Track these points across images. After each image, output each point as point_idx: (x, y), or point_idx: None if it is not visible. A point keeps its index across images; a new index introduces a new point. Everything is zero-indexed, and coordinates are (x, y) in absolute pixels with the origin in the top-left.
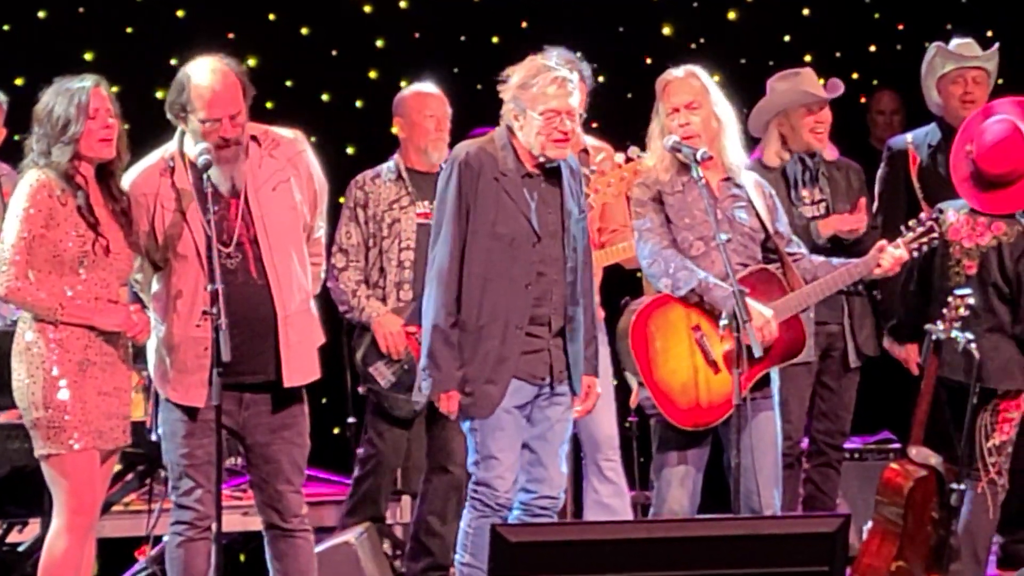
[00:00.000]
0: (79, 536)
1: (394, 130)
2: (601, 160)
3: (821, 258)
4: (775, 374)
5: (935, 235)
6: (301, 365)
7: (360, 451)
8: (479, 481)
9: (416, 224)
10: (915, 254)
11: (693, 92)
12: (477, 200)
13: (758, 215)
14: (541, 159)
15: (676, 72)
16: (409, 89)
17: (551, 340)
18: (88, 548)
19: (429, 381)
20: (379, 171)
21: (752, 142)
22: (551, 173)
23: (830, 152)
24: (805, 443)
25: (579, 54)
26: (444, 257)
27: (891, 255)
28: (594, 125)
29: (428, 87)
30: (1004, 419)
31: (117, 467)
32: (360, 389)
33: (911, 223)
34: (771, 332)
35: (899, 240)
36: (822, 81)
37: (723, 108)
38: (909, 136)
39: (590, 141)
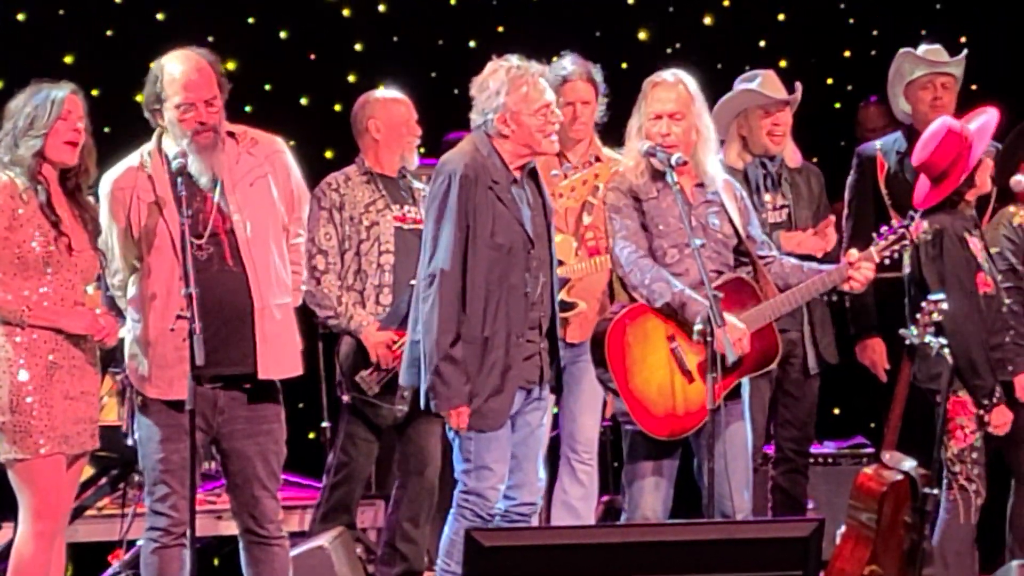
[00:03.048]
0: (46, 541)
1: (374, 134)
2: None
3: (793, 261)
4: (745, 383)
5: (907, 242)
6: (278, 359)
7: (331, 458)
8: (470, 491)
9: (393, 228)
10: (887, 262)
11: (679, 102)
12: (477, 211)
13: (731, 220)
14: (525, 161)
15: (665, 76)
16: (382, 93)
17: (541, 342)
18: (57, 552)
19: (436, 399)
20: (347, 174)
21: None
22: (530, 175)
23: (793, 157)
24: (769, 448)
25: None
26: (446, 270)
27: (863, 275)
28: None
29: (398, 92)
30: (955, 426)
31: (90, 471)
32: (344, 397)
33: (883, 230)
34: (744, 346)
35: (871, 248)
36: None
37: (705, 119)
38: (878, 143)
39: (607, 152)
